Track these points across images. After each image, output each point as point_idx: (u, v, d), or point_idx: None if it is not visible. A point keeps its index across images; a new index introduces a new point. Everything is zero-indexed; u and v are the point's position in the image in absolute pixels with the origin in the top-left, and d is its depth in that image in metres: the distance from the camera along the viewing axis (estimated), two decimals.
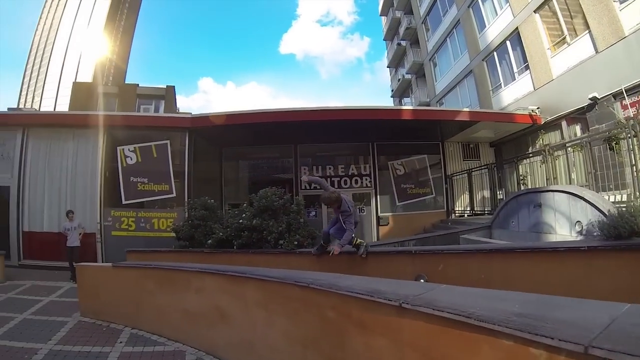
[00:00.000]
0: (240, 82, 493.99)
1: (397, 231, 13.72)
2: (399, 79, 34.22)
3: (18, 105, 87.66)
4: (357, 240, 6.23)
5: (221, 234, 8.36)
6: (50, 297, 8.38)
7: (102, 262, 11.14)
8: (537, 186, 9.33)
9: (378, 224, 14.20)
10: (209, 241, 8.47)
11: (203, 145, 12.98)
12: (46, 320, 6.59)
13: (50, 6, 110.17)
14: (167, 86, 30.88)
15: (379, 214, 14.29)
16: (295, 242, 7.83)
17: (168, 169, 11.85)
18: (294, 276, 4.02)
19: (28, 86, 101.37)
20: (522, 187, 10.23)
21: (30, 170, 12.25)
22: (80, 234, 10.66)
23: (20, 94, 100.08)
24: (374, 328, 3.01)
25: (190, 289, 5.31)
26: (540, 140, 13.32)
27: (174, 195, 11.76)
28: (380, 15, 38.95)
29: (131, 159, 11.93)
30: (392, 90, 36.95)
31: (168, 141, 11.99)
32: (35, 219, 12.17)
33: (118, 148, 11.91)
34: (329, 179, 13.92)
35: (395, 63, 36.25)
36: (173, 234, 9.63)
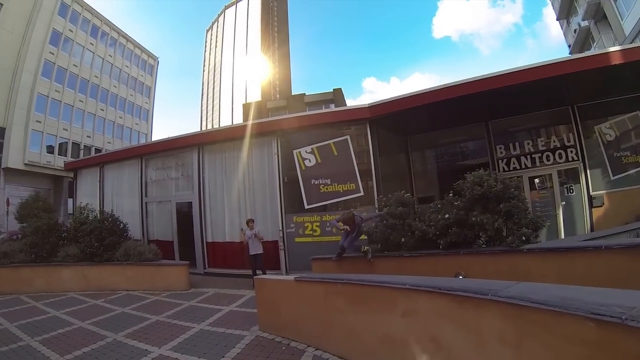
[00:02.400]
0: (403, 76, 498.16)
1: (614, 213, 10.69)
2: (574, 30, 28.44)
3: None
4: (364, 247, 8.12)
5: (425, 227, 7.28)
6: (231, 306, 8.21)
7: (286, 269, 11.02)
8: None
9: (590, 206, 11.08)
10: (411, 241, 7.52)
11: (386, 136, 11.89)
12: (223, 333, 6.29)
13: (210, 47, 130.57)
14: (334, 89, 31.23)
15: (591, 193, 11.16)
16: (523, 238, 6.28)
17: (352, 166, 10.91)
18: (584, 302, 2.61)
19: (206, 117, 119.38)
20: None
21: (208, 184, 12.97)
22: (260, 239, 10.38)
23: (200, 126, 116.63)
24: None
25: (395, 310, 4.21)
26: None
27: (362, 194, 10.77)
28: None
29: (310, 161, 11.34)
30: (569, 47, 30.76)
31: (348, 136, 11.11)
32: (217, 229, 12.69)
33: (294, 152, 11.49)
34: (528, 157, 11.84)
35: (565, 13, 30.57)
36: (362, 236, 8.78)
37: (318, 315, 5.27)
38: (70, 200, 18.18)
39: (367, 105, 10.77)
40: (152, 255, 10.72)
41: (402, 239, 7.60)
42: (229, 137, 12.91)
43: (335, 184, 10.90)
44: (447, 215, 6.98)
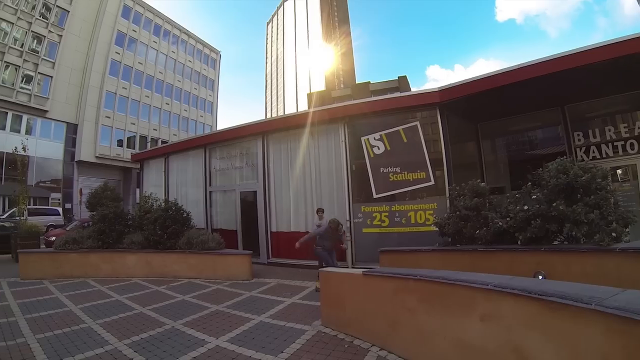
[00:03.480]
0: (467, 63, 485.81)
1: None
2: None
3: None
4: None
5: (500, 223, 6.66)
6: (293, 298, 7.99)
7: (352, 261, 10.58)
8: None
9: None
10: (487, 235, 6.86)
11: (455, 123, 11.06)
12: (283, 327, 6.03)
13: (271, 40, 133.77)
14: (399, 77, 30.44)
15: None
16: (613, 234, 5.52)
17: (422, 154, 10.30)
18: None
19: (271, 109, 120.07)
20: None
21: (273, 173, 12.80)
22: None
23: (265, 117, 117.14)
24: None
25: (473, 312, 3.73)
26: None
27: (432, 183, 10.15)
28: None
29: (378, 149, 10.80)
30: None
31: (418, 122, 10.49)
32: (282, 219, 12.52)
33: (362, 139, 11.02)
34: (610, 145, 10.41)
35: None
36: (432, 228, 8.39)
37: (385, 313, 4.88)
38: (138, 190, 18.78)
39: (436, 90, 10.08)
40: (215, 244, 10.72)
41: (477, 232, 7.01)
42: (294, 124, 12.58)
43: (405, 173, 10.32)
44: (525, 207, 6.32)
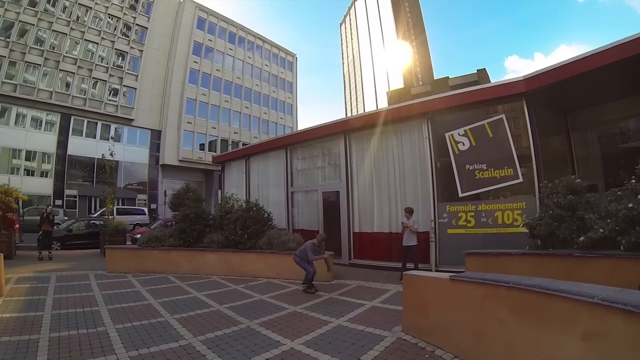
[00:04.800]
0: (547, 51, 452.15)
1: None
2: None
3: None
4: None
5: (602, 230, 5.89)
6: (374, 301, 7.78)
7: (436, 264, 10.23)
8: None
9: None
10: (581, 238, 6.11)
11: (543, 114, 10.08)
12: (361, 332, 5.84)
13: (346, 40, 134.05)
14: (477, 70, 28.88)
15: None
16: None
17: (509, 149, 9.58)
18: None
19: (350, 109, 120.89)
20: None
21: (356, 172, 12.64)
22: (412, 232, 9.68)
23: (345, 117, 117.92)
24: None
25: (573, 329, 3.29)
26: None
27: (520, 180, 9.39)
28: None
29: (464, 144, 10.25)
30: None
31: (503, 115, 9.83)
32: (365, 219, 12.30)
33: (447, 134, 10.51)
34: None
35: None
36: (520, 229, 7.82)
37: (471, 323, 4.51)
38: (219, 192, 19.64)
39: (521, 79, 9.28)
40: (295, 244, 10.66)
41: (575, 235, 6.33)
42: (375, 122, 12.16)
43: (492, 170, 9.67)
44: (630, 205, 5.55)
